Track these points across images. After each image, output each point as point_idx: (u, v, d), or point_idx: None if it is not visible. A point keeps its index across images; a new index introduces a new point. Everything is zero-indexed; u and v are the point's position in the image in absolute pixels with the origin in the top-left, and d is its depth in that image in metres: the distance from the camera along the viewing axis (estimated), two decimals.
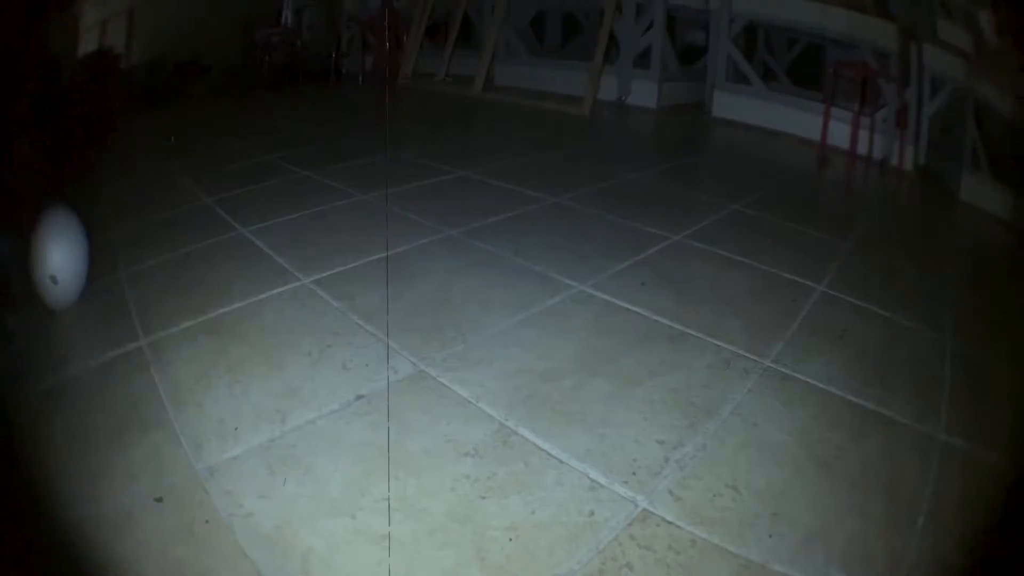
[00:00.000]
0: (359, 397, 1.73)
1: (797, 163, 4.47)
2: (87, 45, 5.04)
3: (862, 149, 4.39)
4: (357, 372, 1.84)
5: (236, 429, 1.60)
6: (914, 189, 4.16)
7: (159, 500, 1.39)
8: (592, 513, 1.39)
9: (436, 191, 3.39)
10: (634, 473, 1.50)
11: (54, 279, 2.09)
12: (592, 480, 1.48)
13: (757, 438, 1.63)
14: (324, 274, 2.40)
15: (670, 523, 1.37)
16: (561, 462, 1.53)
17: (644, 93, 5.77)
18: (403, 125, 5.24)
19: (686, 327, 2.11)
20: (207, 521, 1.35)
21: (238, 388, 1.76)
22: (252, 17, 6.67)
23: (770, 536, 1.34)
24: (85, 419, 1.64)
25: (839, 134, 4.44)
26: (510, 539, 1.32)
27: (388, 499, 1.40)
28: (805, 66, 5.89)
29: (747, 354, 1.98)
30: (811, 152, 4.55)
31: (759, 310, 2.26)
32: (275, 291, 2.28)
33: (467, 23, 6.74)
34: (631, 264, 2.56)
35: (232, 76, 6.28)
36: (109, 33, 5.28)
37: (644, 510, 1.40)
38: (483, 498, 1.42)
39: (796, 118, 4.94)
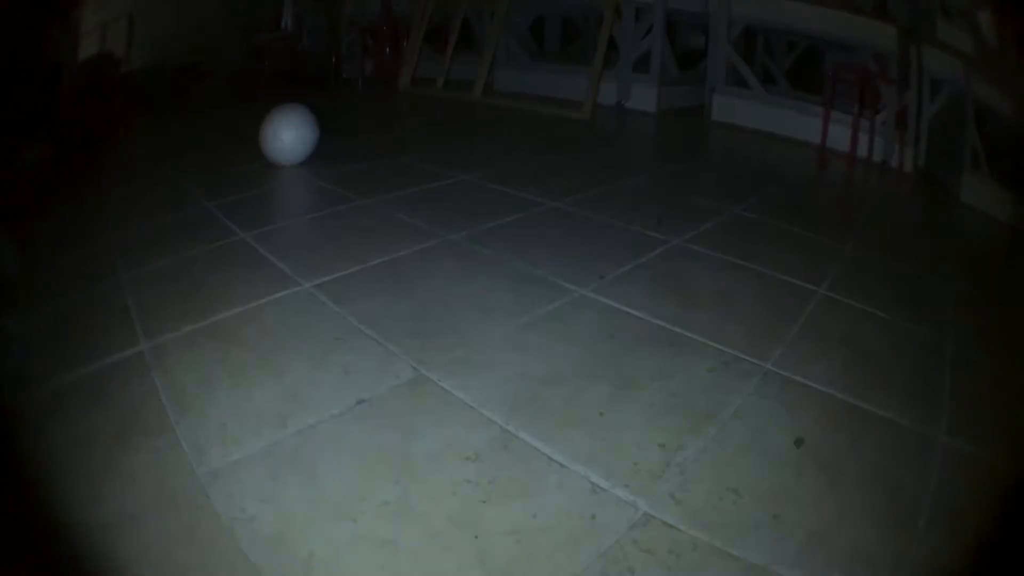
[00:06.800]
0: (360, 401, 1.74)
1: (797, 166, 4.48)
2: (87, 49, 5.06)
3: (862, 151, 4.39)
4: (358, 376, 1.84)
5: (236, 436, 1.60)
6: (914, 191, 4.16)
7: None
8: (594, 517, 1.39)
9: (436, 195, 3.39)
10: (635, 477, 1.50)
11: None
12: (593, 484, 1.48)
13: (758, 441, 1.63)
14: (325, 278, 2.40)
15: (672, 527, 1.37)
16: (562, 466, 1.53)
17: (644, 97, 5.78)
18: (403, 129, 5.25)
19: (687, 331, 2.12)
20: (208, 525, 1.35)
21: (239, 392, 1.76)
22: (252, 22, 6.69)
23: (772, 539, 1.34)
24: (86, 423, 1.64)
25: (839, 137, 4.45)
26: (512, 543, 1.32)
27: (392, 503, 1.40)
28: (805, 69, 5.91)
29: (748, 357, 1.98)
30: (811, 155, 4.55)
31: (760, 313, 2.26)
32: (276, 295, 2.28)
33: (467, 27, 6.76)
34: (632, 268, 2.57)
35: (232, 80, 6.30)
36: (109, 38, 5.30)
37: (645, 513, 1.40)
38: (484, 502, 1.42)
39: (796, 121, 4.95)
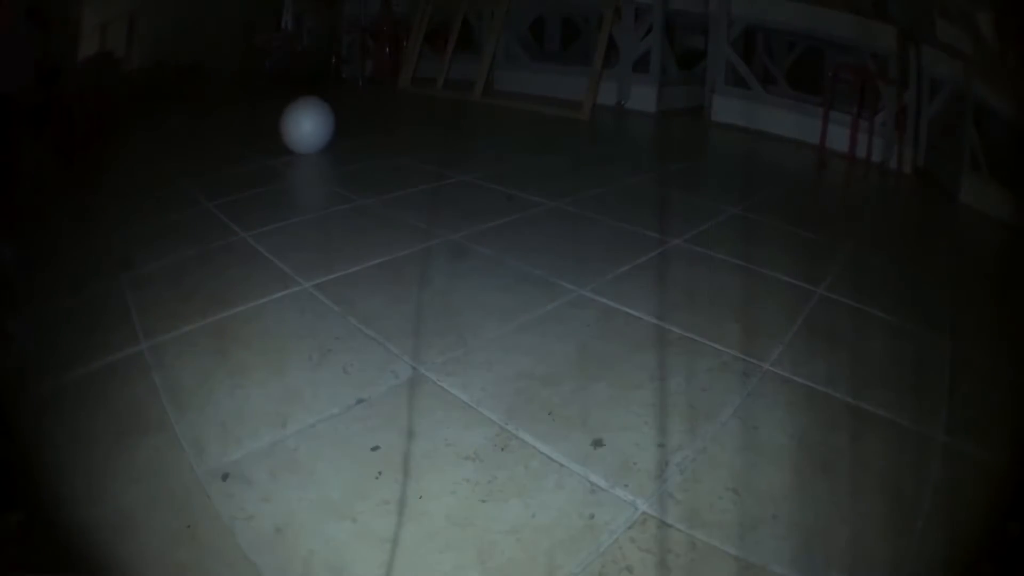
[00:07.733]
0: (359, 401, 1.74)
1: (796, 167, 4.48)
2: (88, 49, 5.06)
3: (861, 152, 4.39)
4: (357, 376, 1.84)
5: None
6: (913, 191, 4.16)
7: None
8: (592, 516, 1.39)
9: (436, 196, 3.39)
10: (634, 476, 1.50)
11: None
12: (592, 483, 1.48)
13: (757, 441, 1.63)
14: (325, 278, 2.40)
15: (670, 526, 1.37)
16: (561, 466, 1.53)
17: (643, 97, 5.78)
18: (402, 130, 5.25)
19: (686, 331, 2.12)
20: (208, 524, 1.35)
21: (239, 392, 1.77)
22: (252, 22, 6.69)
23: (771, 539, 1.34)
24: (87, 422, 1.65)
25: (838, 137, 4.45)
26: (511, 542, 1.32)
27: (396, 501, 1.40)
28: (805, 69, 5.90)
29: (747, 357, 1.98)
30: (810, 155, 4.55)
31: (759, 313, 2.26)
32: (276, 295, 2.28)
33: (466, 28, 6.76)
34: (631, 268, 2.57)
35: (232, 80, 6.30)
36: (109, 37, 5.31)
37: (644, 513, 1.40)
38: (483, 501, 1.42)
39: (795, 121, 4.95)
